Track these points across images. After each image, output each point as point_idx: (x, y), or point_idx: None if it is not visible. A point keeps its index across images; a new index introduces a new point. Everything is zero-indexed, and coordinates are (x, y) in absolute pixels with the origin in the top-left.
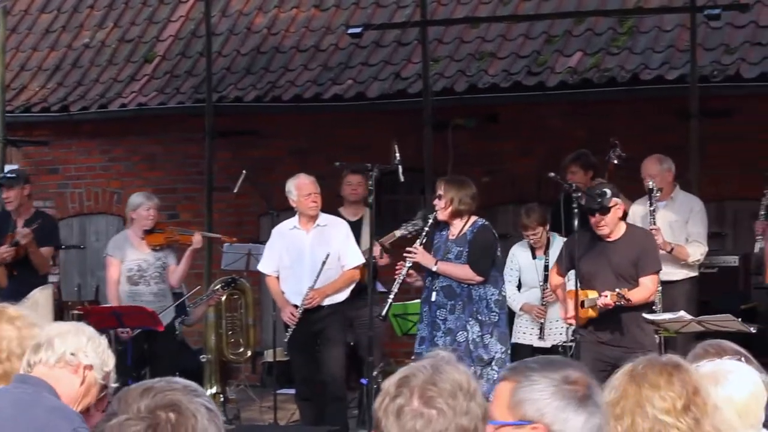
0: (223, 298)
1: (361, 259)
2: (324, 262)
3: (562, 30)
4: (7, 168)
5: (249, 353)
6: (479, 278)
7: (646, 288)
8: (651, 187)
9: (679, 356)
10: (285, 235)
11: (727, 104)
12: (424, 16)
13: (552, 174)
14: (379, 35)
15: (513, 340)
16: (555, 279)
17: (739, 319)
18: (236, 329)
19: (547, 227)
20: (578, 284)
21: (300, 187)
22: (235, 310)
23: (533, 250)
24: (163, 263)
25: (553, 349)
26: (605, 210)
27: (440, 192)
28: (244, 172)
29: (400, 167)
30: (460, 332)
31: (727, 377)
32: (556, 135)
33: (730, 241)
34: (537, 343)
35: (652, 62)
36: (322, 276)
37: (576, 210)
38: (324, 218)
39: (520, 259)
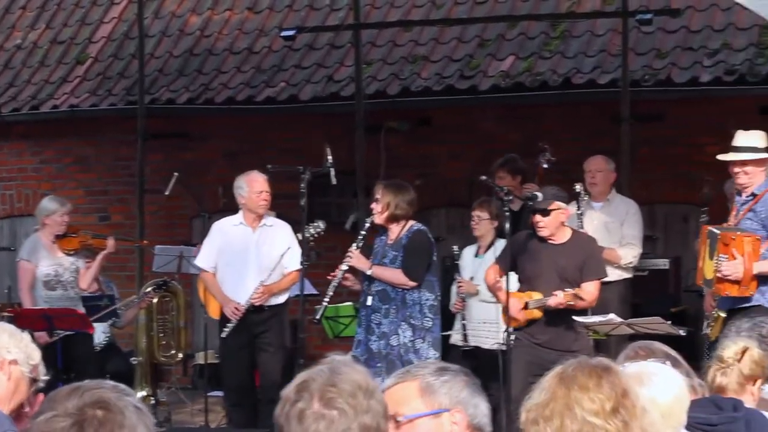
0: (155, 300)
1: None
2: (282, 256)
3: (495, 34)
4: None
5: (180, 356)
6: (412, 283)
7: (589, 293)
8: (578, 190)
9: (610, 358)
10: (227, 231)
11: (658, 108)
12: (358, 20)
13: (483, 177)
14: (312, 38)
15: (450, 342)
16: (491, 276)
17: (669, 322)
18: (167, 331)
19: (496, 225)
20: (516, 286)
21: (252, 184)
22: (166, 312)
23: (478, 249)
24: (77, 267)
25: (476, 351)
26: (546, 212)
27: (378, 196)
28: (175, 174)
29: (332, 170)
30: (393, 336)
31: (651, 379)
32: (489, 139)
33: (661, 245)
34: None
35: (584, 66)
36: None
37: (507, 213)
38: (270, 219)
39: (465, 258)
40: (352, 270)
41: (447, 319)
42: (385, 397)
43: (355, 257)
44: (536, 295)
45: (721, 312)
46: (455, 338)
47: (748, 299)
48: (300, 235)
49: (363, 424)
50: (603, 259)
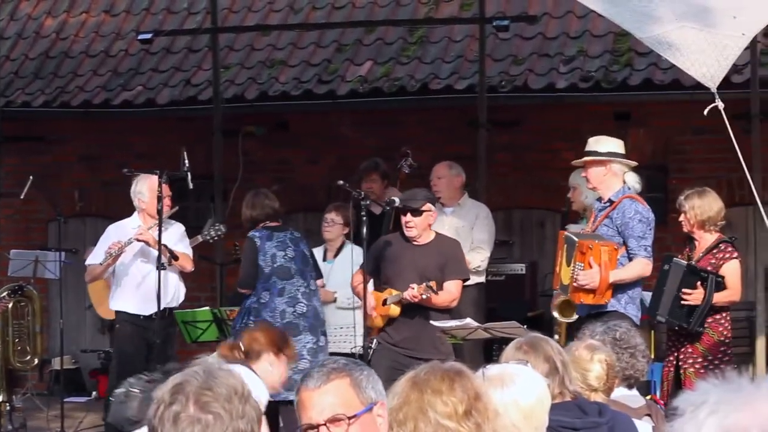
0: (10, 305)
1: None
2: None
3: (353, 39)
4: None
5: (36, 361)
6: (244, 290)
7: (449, 292)
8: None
9: (464, 363)
10: (128, 233)
11: (515, 114)
12: (215, 23)
13: (341, 182)
14: (169, 41)
15: None
16: (356, 279)
17: (525, 327)
18: (23, 336)
19: (347, 231)
20: (380, 284)
21: (152, 188)
22: (21, 317)
23: (326, 252)
24: None
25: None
26: (417, 212)
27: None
28: (30, 177)
29: (189, 174)
30: None
31: (513, 380)
32: (347, 143)
33: (518, 249)
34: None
35: (442, 72)
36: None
37: (364, 218)
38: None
39: None
40: None
41: None
42: (311, 398)
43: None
44: (395, 292)
45: (562, 318)
46: None
47: (603, 306)
48: (200, 237)
49: (237, 429)
50: (465, 260)
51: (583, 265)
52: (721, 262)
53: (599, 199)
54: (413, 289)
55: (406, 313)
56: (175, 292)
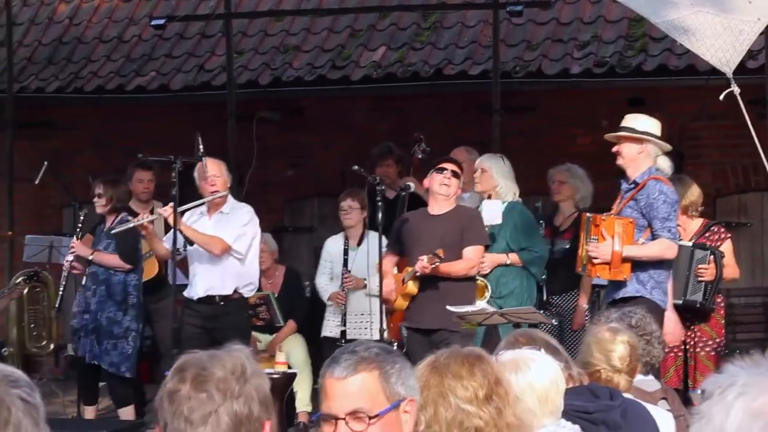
0: (25, 291)
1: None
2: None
3: (367, 24)
4: None
5: (52, 346)
6: (126, 266)
7: (468, 259)
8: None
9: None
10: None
11: (529, 100)
12: (229, 9)
13: (356, 167)
14: (183, 27)
15: (322, 334)
16: (387, 263)
17: (542, 312)
18: (39, 322)
19: (365, 215)
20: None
21: (199, 171)
22: (37, 302)
23: (347, 240)
24: None
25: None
26: (455, 174)
27: (100, 191)
28: (45, 163)
29: (203, 160)
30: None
31: (528, 365)
32: (360, 129)
33: None
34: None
35: (456, 57)
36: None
37: (380, 203)
38: (229, 205)
39: (331, 251)
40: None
41: (320, 309)
42: (334, 388)
43: (77, 246)
44: (411, 269)
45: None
46: (334, 331)
47: (623, 285)
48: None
49: (232, 410)
50: (484, 228)
51: (597, 238)
52: (718, 243)
53: (625, 180)
54: (422, 260)
55: (425, 290)
56: (243, 276)
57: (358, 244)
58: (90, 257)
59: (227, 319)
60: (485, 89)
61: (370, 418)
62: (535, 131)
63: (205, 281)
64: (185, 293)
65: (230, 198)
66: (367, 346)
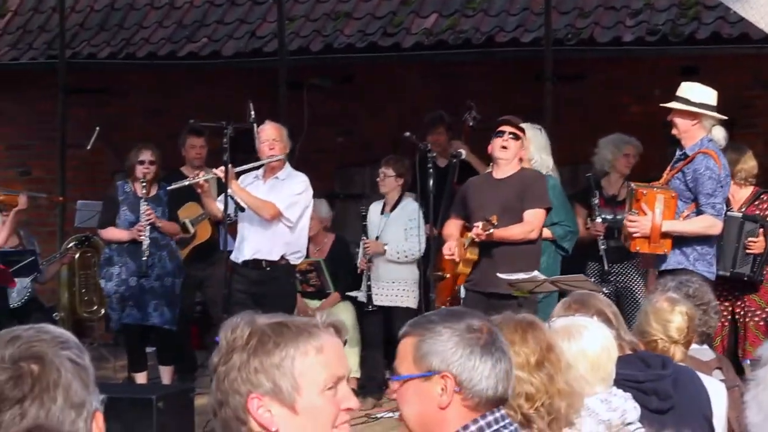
0: (77, 256)
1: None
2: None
3: None
4: None
5: (102, 311)
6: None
7: (527, 222)
8: None
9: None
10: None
11: (580, 68)
12: None
13: (407, 134)
14: None
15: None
16: (451, 227)
17: (592, 280)
18: (89, 287)
19: (401, 182)
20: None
21: (258, 134)
22: (88, 267)
23: (384, 207)
24: None
25: (392, 311)
26: (515, 135)
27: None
28: (97, 128)
29: (255, 126)
30: None
31: (581, 332)
32: (411, 96)
33: None
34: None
35: (508, 25)
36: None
37: (431, 170)
38: (285, 172)
39: (371, 215)
40: None
41: (356, 277)
42: (399, 345)
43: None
44: (469, 235)
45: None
46: (361, 296)
47: (664, 257)
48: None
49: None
50: (546, 191)
51: (637, 211)
52: (767, 212)
53: (680, 147)
54: (477, 227)
55: (485, 256)
56: (292, 245)
57: (392, 210)
58: (159, 225)
59: (273, 285)
60: (537, 57)
61: (386, 379)
62: (586, 100)
63: (253, 244)
64: (231, 257)
65: (287, 165)
66: (438, 313)
